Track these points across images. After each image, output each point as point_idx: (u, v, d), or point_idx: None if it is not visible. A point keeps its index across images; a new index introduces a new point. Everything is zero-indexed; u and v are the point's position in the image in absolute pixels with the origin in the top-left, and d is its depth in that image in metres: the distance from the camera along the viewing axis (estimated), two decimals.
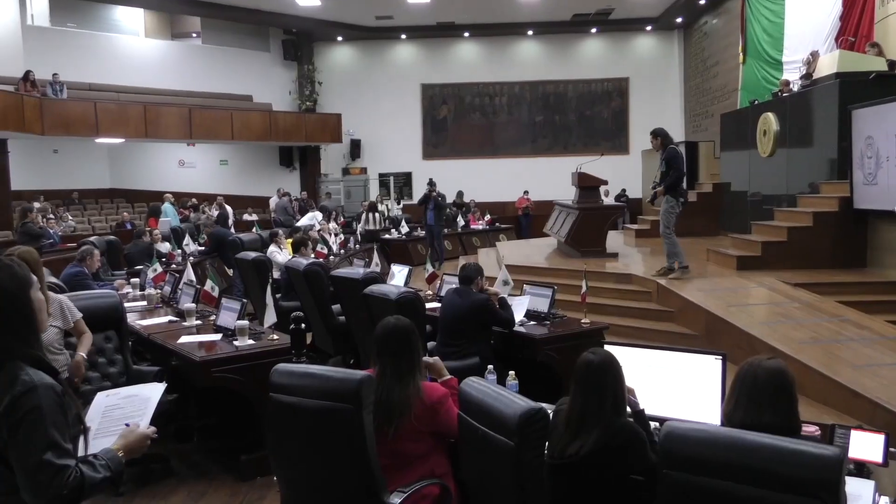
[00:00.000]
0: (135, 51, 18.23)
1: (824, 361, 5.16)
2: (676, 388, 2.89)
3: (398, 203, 18.56)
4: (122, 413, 2.09)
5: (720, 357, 2.86)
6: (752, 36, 13.87)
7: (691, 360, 2.92)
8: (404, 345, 2.81)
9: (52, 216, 12.59)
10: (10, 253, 3.57)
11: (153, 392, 2.18)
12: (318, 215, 13.81)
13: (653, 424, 2.66)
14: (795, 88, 10.15)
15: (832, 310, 6.43)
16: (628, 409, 2.61)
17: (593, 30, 19.64)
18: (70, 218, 14.97)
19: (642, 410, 2.64)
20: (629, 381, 2.65)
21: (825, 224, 8.03)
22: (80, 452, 1.82)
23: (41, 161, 16.95)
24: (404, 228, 15.21)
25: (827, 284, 7.25)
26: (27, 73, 14.34)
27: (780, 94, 10.52)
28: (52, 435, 1.68)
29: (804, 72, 10.23)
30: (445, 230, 14.72)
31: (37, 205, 12.54)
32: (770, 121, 9.89)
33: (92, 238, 9.23)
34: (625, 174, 17.67)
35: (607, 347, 2.82)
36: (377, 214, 14.84)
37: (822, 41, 11.14)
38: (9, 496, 1.72)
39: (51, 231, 11.33)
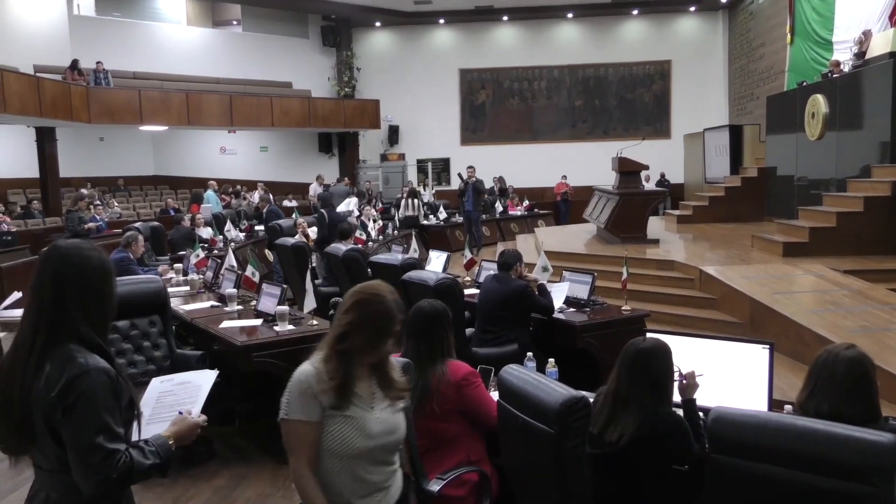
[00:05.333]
0: (177, 39, 18.51)
1: (875, 351, 4.99)
2: (722, 378, 2.82)
3: (431, 189, 18.49)
4: (175, 399, 2.11)
5: (768, 346, 2.79)
6: (800, 15, 13.46)
7: (737, 349, 2.85)
8: (430, 327, 2.86)
9: (98, 203, 12.88)
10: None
11: (205, 380, 2.20)
12: (355, 200, 13.87)
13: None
14: (846, 69, 9.83)
15: (883, 297, 6.22)
16: (678, 398, 2.56)
17: (635, 11, 19.27)
18: (116, 204, 15.32)
19: (693, 400, 2.58)
20: (686, 368, 2.60)
21: (876, 209, 7.77)
22: (134, 437, 1.86)
23: (88, 149, 17.37)
24: (442, 214, 15.20)
25: (878, 271, 7.03)
26: (74, 62, 14.67)
27: (829, 75, 10.20)
28: (104, 419, 1.71)
29: (856, 52, 9.89)
30: (483, 216, 14.68)
31: (84, 192, 12.84)
32: (819, 103, 9.59)
33: (136, 224, 9.43)
34: (666, 159, 17.35)
35: (650, 335, 2.77)
36: (417, 200, 14.84)
37: (875, 19, 10.74)
38: (62, 474, 1.75)
39: (97, 217, 11.60)
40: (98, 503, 1.76)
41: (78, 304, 1.79)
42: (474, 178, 13.39)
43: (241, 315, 5.06)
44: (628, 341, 2.53)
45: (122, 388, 1.79)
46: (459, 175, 13.85)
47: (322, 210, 10.34)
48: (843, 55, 10.80)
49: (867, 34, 9.96)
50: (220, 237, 10.30)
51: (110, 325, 1.91)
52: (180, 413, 2.04)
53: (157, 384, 2.15)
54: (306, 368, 2.12)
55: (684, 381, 2.59)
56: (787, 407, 2.73)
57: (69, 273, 1.80)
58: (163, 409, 2.08)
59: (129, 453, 1.76)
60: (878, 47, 8.93)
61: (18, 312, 3.72)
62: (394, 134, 19.99)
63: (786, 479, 1.77)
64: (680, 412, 2.53)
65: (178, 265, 7.12)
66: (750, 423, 1.87)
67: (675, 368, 2.53)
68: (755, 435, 1.84)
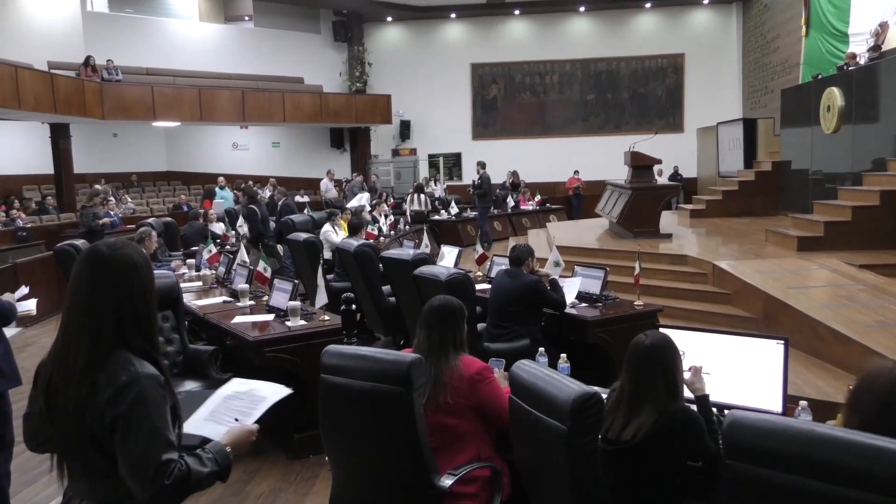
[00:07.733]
0: (190, 35, 18.57)
1: (892, 346, 4.94)
2: (736, 374, 2.80)
3: (442, 184, 18.45)
4: (240, 404, 2.06)
5: (782, 342, 2.76)
6: (815, 7, 13.31)
7: (752, 345, 2.83)
8: (444, 319, 2.85)
9: (112, 198, 12.96)
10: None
11: (273, 394, 2.11)
12: (367, 196, 13.89)
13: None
14: (862, 61, 9.71)
15: None
16: (691, 394, 2.54)
17: (647, 4, 19.14)
18: (129, 200, 15.40)
19: (706, 395, 2.56)
20: (693, 362, 2.57)
21: (893, 203, 7.68)
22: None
23: (101, 145, 17.47)
24: (454, 209, 15.19)
25: (894, 266, 6.95)
26: (88, 58, 14.75)
27: (845, 67, 10.08)
28: (157, 426, 1.66)
29: (872, 44, 9.78)
30: (494, 211, 14.64)
31: (98, 187, 12.91)
32: (835, 96, 9.49)
33: (150, 220, 9.48)
34: (679, 153, 17.25)
35: (662, 330, 2.75)
36: (423, 196, 14.84)
37: (891, 11, 10.60)
38: (99, 481, 1.72)
39: (111, 213, 11.68)
40: None
41: (124, 311, 1.73)
42: (481, 173, 13.38)
43: (253, 310, 5.08)
44: (633, 339, 2.51)
45: (169, 395, 1.74)
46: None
47: (251, 206, 9.78)
48: (859, 47, 10.67)
49: (883, 26, 9.84)
50: (233, 233, 10.33)
51: (157, 327, 1.83)
52: (236, 420, 1.98)
53: (236, 384, 2.09)
54: None
55: (691, 377, 2.57)
56: (802, 403, 2.71)
57: (112, 281, 1.73)
58: (224, 412, 2.02)
59: (184, 461, 1.70)
60: (894, 39, 8.82)
61: (26, 306, 3.72)
62: (405, 129, 19.98)
63: (804, 489, 1.71)
64: (694, 408, 2.52)
65: (191, 261, 7.14)
66: (768, 429, 1.80)
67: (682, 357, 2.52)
68: (772, 441, 1.77)
